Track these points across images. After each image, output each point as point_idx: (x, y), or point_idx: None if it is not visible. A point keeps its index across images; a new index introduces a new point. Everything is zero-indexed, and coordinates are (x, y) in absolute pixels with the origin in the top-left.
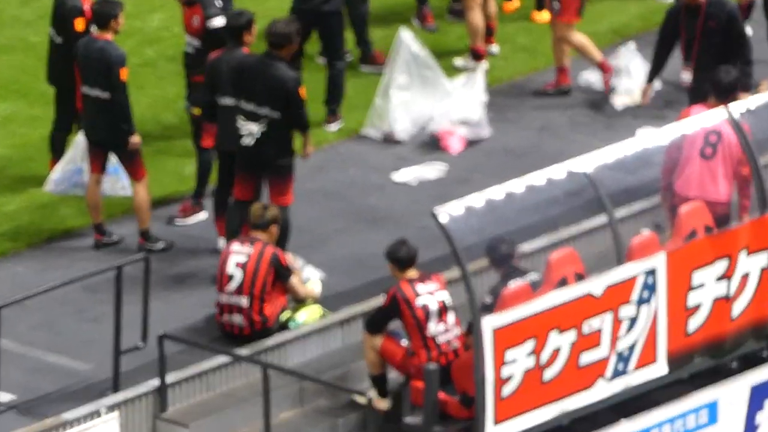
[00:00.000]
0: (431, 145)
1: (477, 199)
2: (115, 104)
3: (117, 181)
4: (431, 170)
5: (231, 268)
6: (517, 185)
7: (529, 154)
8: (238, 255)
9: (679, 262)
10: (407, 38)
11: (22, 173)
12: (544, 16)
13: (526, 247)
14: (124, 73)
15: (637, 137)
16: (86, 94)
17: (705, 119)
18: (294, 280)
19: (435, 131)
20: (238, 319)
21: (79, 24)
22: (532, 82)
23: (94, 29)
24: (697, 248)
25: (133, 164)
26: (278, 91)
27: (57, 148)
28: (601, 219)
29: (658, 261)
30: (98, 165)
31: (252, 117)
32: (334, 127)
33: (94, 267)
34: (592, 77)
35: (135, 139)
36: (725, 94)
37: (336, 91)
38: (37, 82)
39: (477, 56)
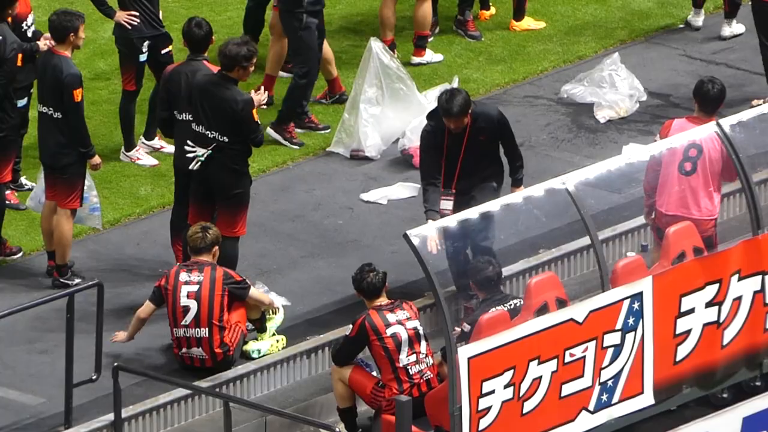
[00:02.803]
0: (403, 162)
1: (451, 221)
2: (69, 126)
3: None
4: (403, 190)
5: (183, 300)
6: (493, 205)
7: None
8: (188, 285)
9: (667, 287)
10: (377, 48)
11: None
12: (523, 24)
13: (504, 270)
14: (78, 94)
15: (622, 153)
16: (40, 111)
17: (691, 133)
18: (254, 293)
19: (407, 148)
20: (197, 351)
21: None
22: (511, 96)
23: (50, 43)
24: (685, 271)
25: (71, 191)
26: (227, 114)
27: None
28: (583, 241)
29: (645, 285)
30: (52, 190)
31: (200, 140)
32: None
33: (44, 295)
34: (574, 90)
35: (95, 161)
36: (712, 107)
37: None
38: None
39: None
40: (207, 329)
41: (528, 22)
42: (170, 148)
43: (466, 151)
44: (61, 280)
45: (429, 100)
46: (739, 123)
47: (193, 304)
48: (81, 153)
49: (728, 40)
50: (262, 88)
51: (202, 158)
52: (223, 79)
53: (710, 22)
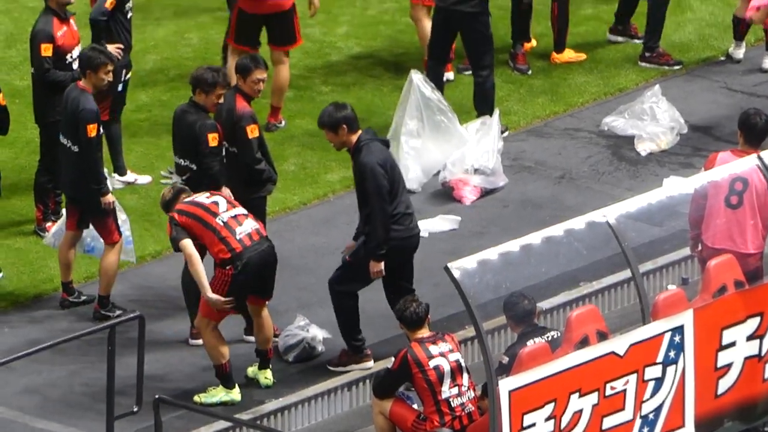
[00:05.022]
0: (444, 195)
1: (492, 253)
2: (82, 161)
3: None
4: (444, 222)
5: (207, 200)
6: (534, 238)
7: (548, 205)
8: (205, 199)
9: (708, 320)
10: (418, 80)
11: (8, 226)
12: (564, 56)
13: (544, 304)
14: (92, 130)
15: (663, 186)
16: (61, 143)
17: (734, 166)
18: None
19: (448, 180)
20: (251, 222)
21: (46, 50)
22: (551, 128)
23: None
24: (726, 304)
25: (104, 226)
26: (189, 141)
27: (42, 196)
28: (624, 274)
29: (686, 318)
30: (73, 222)
31: (178, 169)
32: None
33: (85, 327)
34: (615, 122)
35: (107, 198)
36: (757, 139)
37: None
38: (23, 130)
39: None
40: (242, 208)
41: (569, 54)
42: (143, 180)
43: None
44: (103, 312)
45: (470, 132)
46: None
47: (217, 198)
48: (94, 190)
49: None
50: None
51: (171, 185)
52: (191, 105)
53: (751, 55)
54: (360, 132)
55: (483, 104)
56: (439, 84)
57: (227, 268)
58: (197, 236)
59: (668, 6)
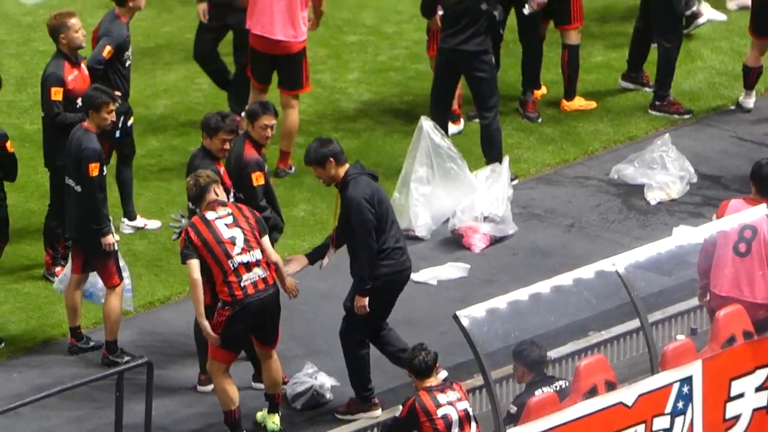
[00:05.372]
0: (453, 242)
1: (501, 302)
2: (85, 200)
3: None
4: (453, 270)
5: (226, 232)
6: (543, 287)
7: (557, 254)
8: (221, 220)
9: (717, 370)
10: (428, 127)
11: (18, 271)
12: (574, 104)
13: (553, 353)
14: (94, 169)
15: (672, 236)
16: (66, 183)
17: (744, 215)
18: (267, 239)
19: (457, 228)
20: (259, 271)
21: (57, 94)
22: (561, 176)
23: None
24: (735, 355)
25: (104, 268)
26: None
27: (51, 240)
28: (633, 323)
29: (695, 369)
30: (78, 264)
31: (190, 213)
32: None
33: (93, 373)
34: (625, 171)
35: (107, 239)
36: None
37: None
38: (33, 174)
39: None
40: (258, 250)
41: (579, 102)
42: (153, 225)
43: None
44: (111, 357)
45: (480, 179)
46: None
47: (237, 232)
48: (94, 230)
49: None
50: None
51: (177, 230)
52: (200, 149)
53: (761, 104)
54: (347, 166)
55: (490, 146)
56: (443, 127)
57: (225, 308)
58: (205, 263)
59: (678, 55)
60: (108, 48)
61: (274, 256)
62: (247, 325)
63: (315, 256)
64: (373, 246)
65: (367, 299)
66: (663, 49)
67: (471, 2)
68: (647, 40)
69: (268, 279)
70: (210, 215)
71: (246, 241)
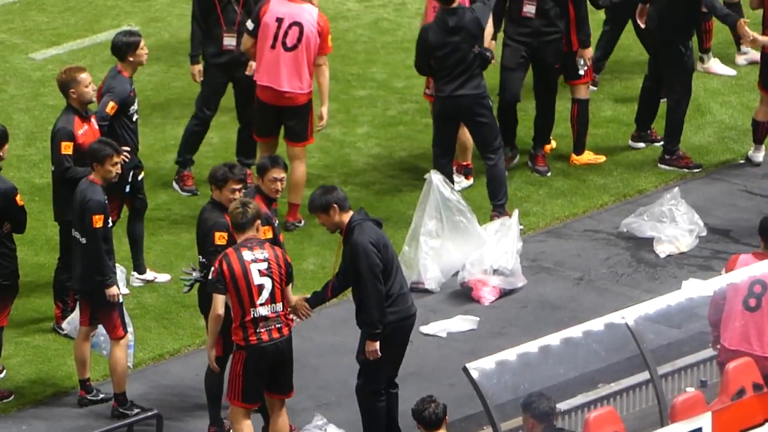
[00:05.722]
0: (462, 295)
1: (510, 354)
2: (89, 251)
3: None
4: (462, 323)
5: (257, 278)
6: (553, 339)
7: (567, 307)
8: (257, 264)
9: (726, 422)
10: (437, 181)
11: (27, 324)
12: (583, 158)
13: (562, 405)
14: (98, 221)
15: (682, 288)
16: (72, 236)
17: (753, 269)
18: (290, 288)
19: (467, 281)
20: (277, 323)
21: (67, 148)
22: (570, 229)
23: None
24: (745, 407)
25: (109, 320)
26: (203, 237)
27: (61, 293)
28: (643, 375)
29: (704, 421)
30: (86, 317)
31: (201, 266)
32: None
33: (103, 425)
34: (634, 224)
35: (111, 291)
36: None
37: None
38: (43, 228)
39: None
40: (281, 304)
41: (588, 156)
42: (162, 278)
43: None
44: (121, 410)
45: (489, 233)
46: None
47: (267, 281)
48: (98, 281)
49: None
50: None
51: (188, 283)
52: (210, 202)
53: None
54: (352, 212)
55: (499, 185)
56: (449, 175)
57: (240, 352)
58: (228, 298)
59: (687, 109)
60: (111, 104)
61: (294, 301)
62: (262, 369)
63: (315, 302)
64: (381, 290)
65: (377, 344)
66: (673, 103)
67: (462, 48)
68: (655, 99)
69: (284, 329)
70: (246, 255)
71: (272, 293)
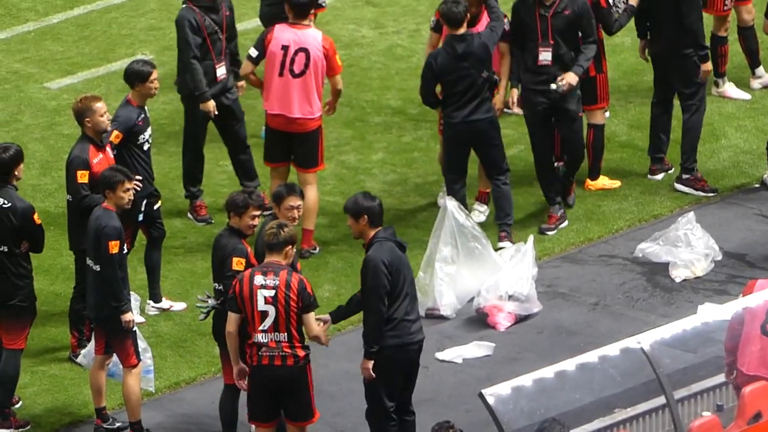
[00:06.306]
0: (478, 321)
1: (526, 380)
2: (105, 278)
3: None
4: (478, 349)
5: (261, 305)
6: (569, 364)
7: (582, 332)
8: (264, 290)
9: None
10: (452, 207)
11: (43, 353)
12: (599, 183)
13: (579, 430)
14: (114, 247)
15: (698, 313)
16: (87, 265)
17: None
18: (311, 316)
19: (482, 307)
20: (279, 351)
21: (83, 177)
22: (586, 255)
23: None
24: (761, 431)
25: (122, 348)
26: (220, 264)
27: (77, 323)
28: (659, 400)
29: None
30: (101, 345)
31: (217, 293)
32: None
33: None
34: (649, 249)
35: (126, 317)
36: None
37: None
38: (58, 257)
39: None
40: (286, 334)
41: (603, 182)
42: (178, 306)
43: None
44: None
45: (504, 258)
46: None
47: (271, 309)
48: (113, 307)
49: None
50: None
51: (205, 310)
52: (227, 229)
53: None
54: (380, 229)
55: (506, 208)
56: (463, 201)
57: (250, 368)
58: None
59: (702, 130)
60: (115, 133)
61: (314, 331)
62: (262, 391)
63: (337, 317)
64: (382, 311)
65: (371, 363)
66: (688, 118)
67: (472, 74)
68: (666, 124)
69: (288, 359)
70: (258, 279)
71: (276, 321)
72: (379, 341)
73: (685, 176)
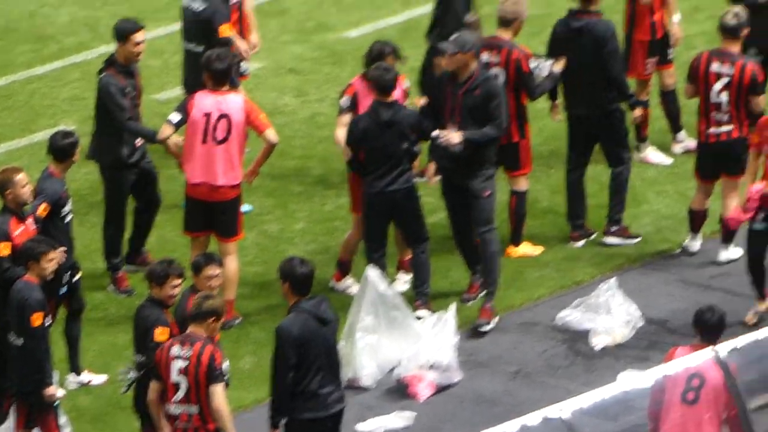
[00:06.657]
0: (398, 391)
1: None
2: (28, 352)
3: None
4: (398, 419)
5: (174, 375)
6: None
7: (503, 401)
8: (179, 361)
9: None
10: (374, 277)
11: None
12: (520, 250)
13: None
14: (38, 319)
15: (618, 381)
16: (8, 341)
17: (689, 361)
18: (219, 389)
19: (402, 376)
20: (191, 426)
21: (4, 249)
22: (506, 322)
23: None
24: None
25: (44, 423)
26: (142, 335)
27: None
28: None
29: None
30: (22, 420)
31: (138, 366)
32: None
33: None
34: (570, 317)
35: (49, 390)
36: (713, 336)
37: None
38: None
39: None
40: (197, 407)
41: (524, 249)
42: (98, 379)
43: None
44: None
45: (426, 327)
46: (734, 349)
47: (183, 380)
48: (37, 380)
49: (724, 265)
50: None
51: (127, 383)
52: (148, 300)
53: (707, 247)
54: (303, 298)
55: (424, 277)
56: (382, 269)
57: None
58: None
59: (626, 194)
60: (43, 205)
61: (221, 410)
62: None
63: None
64: (285, 381)
65: None
66: (618, 173)
67: (392, 144)
68: (583, 189)
69: (199, 429)
70: (174, 350)
71: (188, 393)
72: (283, 412)
73: (613, 228)
